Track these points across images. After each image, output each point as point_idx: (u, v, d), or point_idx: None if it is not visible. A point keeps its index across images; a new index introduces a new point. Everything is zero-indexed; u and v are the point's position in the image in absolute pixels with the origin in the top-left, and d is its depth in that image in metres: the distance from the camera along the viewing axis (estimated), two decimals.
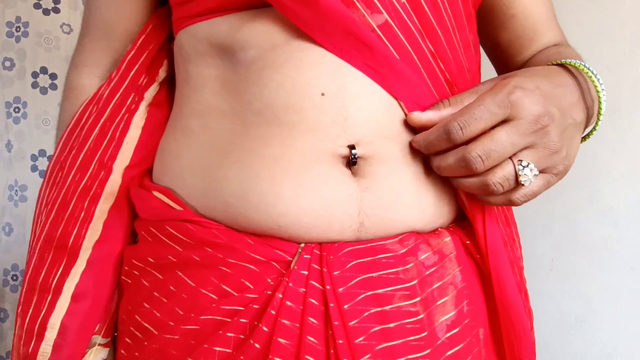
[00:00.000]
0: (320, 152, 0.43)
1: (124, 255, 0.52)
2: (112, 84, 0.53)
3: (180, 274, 0.46)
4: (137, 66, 0.53)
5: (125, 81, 0.53)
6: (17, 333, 0.50)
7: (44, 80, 1.54)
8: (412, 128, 0.46)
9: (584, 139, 0.50)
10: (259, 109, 0.45)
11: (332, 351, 0.42)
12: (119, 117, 0.52)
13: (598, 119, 0.50)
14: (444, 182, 0.48)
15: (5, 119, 1.50)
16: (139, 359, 0.47)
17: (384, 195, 0.44)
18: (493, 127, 0.42)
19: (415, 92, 0.45)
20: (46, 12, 1.53)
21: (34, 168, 1.50)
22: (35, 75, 1.52)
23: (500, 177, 0.42)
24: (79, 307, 0.48)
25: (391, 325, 0.43)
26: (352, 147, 0.44)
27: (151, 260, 0.48)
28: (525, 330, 0.48)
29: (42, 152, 1.50)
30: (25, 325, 0.49)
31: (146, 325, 0.47)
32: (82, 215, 0.50)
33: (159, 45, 0.55)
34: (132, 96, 0.53)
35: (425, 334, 0.44)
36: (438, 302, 0.45)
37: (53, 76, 1.54)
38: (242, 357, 0.43)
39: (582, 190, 1.06)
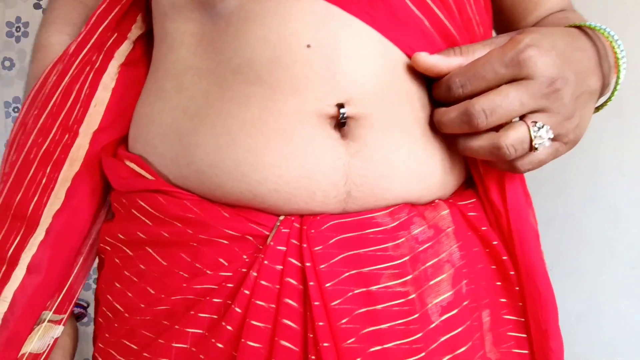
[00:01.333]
0: (305, 113, 0.39)
1: (101, 231, 0.49)
2: (77, 41, 0.49)
3: (150, 251, 0.43)
4: (106, 22, 0.49)
5: (92, 38, 0.48)
6: None
7: None
8: (412, 86, 0.42)
9: (597, 109, 0.46)
10: (238, 65, 0.40)
11: (310, 335, 0.38)
12: (83, 77, 0.48)
13: (615, 88, 0.45)
14: (448, 148, 0.43)
15: (4, 119, 1.49)
16: (109, 340, 0.44)
17: (375, 162, 0.40)
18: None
19: (419, 41, 0.41)
20: None
21: None
22: None
23: (514, 139, 0.38)
24: (33, 279, 0.45)
25: (378, 307, 0.39)
26: (340, 105, 0.39)
27: (122, 236, 0.45)
28: (552, 298, 0.44)
29: None
30: None
31: (117, 305, 0.44)
32: (44, 181, 0.46)
33: None
34: (100, 54, 0.49)
35: (416, 316, 0.39)
36: (431, 282, 0.41)
37: None
38: (213, 340, 0.39)
39: (584, 189, 1.06)
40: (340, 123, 0.39)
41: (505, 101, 0.38)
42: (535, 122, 0.38)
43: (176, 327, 0.40)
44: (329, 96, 0.39)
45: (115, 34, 0.49)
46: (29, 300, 0.44)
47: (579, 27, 0.44)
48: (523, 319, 0.45)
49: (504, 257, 0.45)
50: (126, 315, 0.43)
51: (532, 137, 0.38)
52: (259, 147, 0.39)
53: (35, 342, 0.45)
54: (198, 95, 0.42)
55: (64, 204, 0.46)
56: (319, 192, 0.39)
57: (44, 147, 0.47)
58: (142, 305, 0.42)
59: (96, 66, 0.48)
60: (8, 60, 1.49)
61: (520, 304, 0.45)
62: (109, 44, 0.49)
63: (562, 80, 0.38)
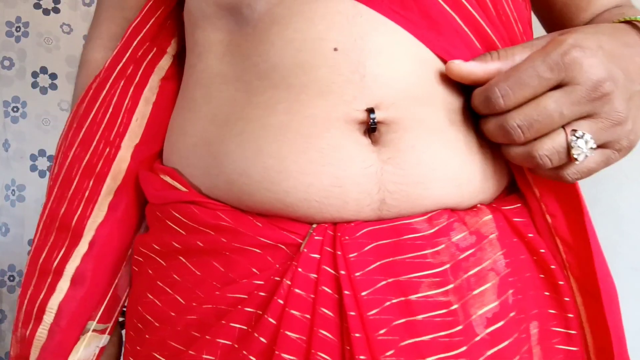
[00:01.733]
0: (332, 118, 0.38)
1: (134, 243, 0.49)
2: (114, 54, 0.50)
3: (184, 260, 0.42)
4: (141, 34, 0.49)
5: (127, 50, 0.49)
6: (16, 316, 0.47)
7: (44, 80, 1.53)
8: (447, 88, 0.40)
9: None
10: (264, 71, 0.40)
11: (347, 347, 0.36)
12: (120, 89, 0.48)
13: None
14: (490, 150, 0.41)
15: (3, 119, 1.51)
16: (140, 353, 0.44)
17: (410, 168, 0.38)
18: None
19: (453, 42, 0.39)
20: (46, 12, 1.53)
21: (33, 168, 1.49)
22: (35, 75, 1.52)
23: (548, 150, 0.36)
24: (77, 290, 0.45)
25: (418, 317, 0.37)
26: (370, 110, 0.38)
27: (156, 247, 0.45)
28: (620, 317, 0.42)
29: (42, 152, 1.50)
30: (24, 307, 0.46)
31: (147, 316, 0.43)
32: (87, 194, 0.47)
33: (167, 12, 0.51)
34: (140, 68, 0.49)
35: (459, 328, 0.37)
36: (475, 292, 0.38)
37: (53, 76, 1.54)
38: (245, 352, 0.38)
39: (586, 191, 1.03)
40: (370, 128, 0.38)
41: (543, 114, 0.35)
42: (575, 131, 0.36)
43: (207, 337, 0.39)
44: (358, 100, 0.38)
45: (155, 49, 0.50)
46: (74, 311, 0.45)
47: (629, 22, 0.41)
48: (574, 332, 0.42)
49: (553, 266, 0.42)
50: (156, 324, 0.42)
51: (571, 147, 0.36)
52: (285, 153, 0.38)
53: (82, 351, 0.46)
54: (225, 102, 0.42)
55: (106, 216, 0.47)
56: (351, 201, 0.38)
57: (86, 160, 0.47)
58: (173, 314, 0.41)
59: (136, 80, 0.49)
60: (7, 60, 1.52)
61: (571, 315, 0.42)
62: (148, 58, 0.50)
63: (611, 83, 0.35)
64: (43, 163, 1.50)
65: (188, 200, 0.43)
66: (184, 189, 0.44)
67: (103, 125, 0.48)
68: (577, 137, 0.36)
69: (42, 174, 1.51)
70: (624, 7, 0.50)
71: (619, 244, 0.98)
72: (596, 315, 0.41)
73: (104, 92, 0.49)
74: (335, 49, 0.38)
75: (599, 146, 0.37)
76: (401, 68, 0.39)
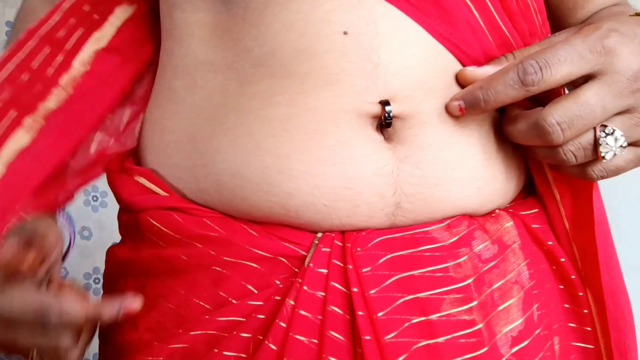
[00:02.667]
0: (341, 111, 0.33)
1: (107, 255, 0.42)
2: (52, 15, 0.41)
3: (166, 278, 0.37)
4: None
5: (61, 12, 0.41)
6: None
7: None
8: None
9: None
10: (259, 57, 0.35)
11: None
12: (46, 55, 0.40)
13: None
14: (511, 148, 0.38)
15: None
16: None
17: (428, 168, 0.34)
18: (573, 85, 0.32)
19: (467, 37, 0.35)
20: None
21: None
22: None
23: (574, 145, 0.33)
24: None
25: (440, 340, 0.32)
26: (385, 102, 0.33)
27: (131, 262, 0.39)
28: (633, 326, 0.38)
29: None
30: None
31: (123, 343, 0.37)
32: None
33: None
34: (74, 33, 0.41)
35: (484, 350, 0.33)
36: (500, 308, 0.35)
37: None
38: None
39: None
40: (385, 123, 0.34)
41: (585, 109, 0.31)
42: (605, 127, 0.32)
43: None
44: (371, 92, 0.34)
45: (95, 14, 0.42)
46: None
47: None
48: (592, 346, 0.39)
49: (573, 277, 0.39)
50: (135, 354, 0.36)
51: (599, 144, 0.32)
52: (287, 150, 0.33)
53: None
54: (214, 93, 0.36)
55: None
56: (363, 205, 0.34)
57: None
58: (156, 343, 0.35)
59: (70, 47, 0.40)
60: None
61: (589, 328, 0.39)
62: (87, 22, 0.42)
63: None
64: None
65: (169, 207, 0.37)
66: (164, 193, 0.38)
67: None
68: (607, 134, 0.32)
69: None
70: (622, 6, 0.48)
71: (618, 244, 0.99)
72: (605, 329, 0.38)
73: (25, 55, 0.40)
74: (345, 33, 0.34)
75: (631, 144, 0.34)
76: (418, 56, 0.35)
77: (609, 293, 0.37)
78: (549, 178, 0.39)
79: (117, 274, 0.40)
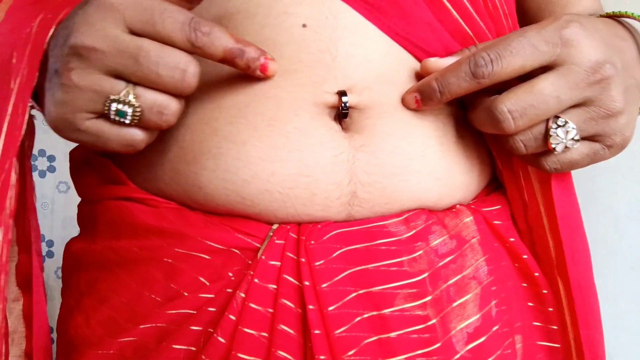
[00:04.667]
0: (300, 99, 0.33)
1: (65, 249, 0.42)
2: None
3: (118, 271, 0.36)
4: None
5: None
6: None
7: None
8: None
9: None
10: None
11: None
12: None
13: None
14: (471, 142, 0.37)
15: None
16: None
17: (385, 157, 0.34)
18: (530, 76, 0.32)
19: (425, 35, 0.35)
20: None
21: (33, 168, 1.43)
22: None
23: (525, 134, 0.32)
24: None
25: (392, 335, 0.32)
26: (342, 93, 0.33)
27: (85, 253, 0.38)
28: (600, 322, 0.38)
29: (42, 152, 1.43)
30: None
31: (75, 338, 0.37)
32: None
33: None
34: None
35: (437, 345, 0.32)
36: (455, 303, 0.34)
37: None
38: None
39: (583, 190, 1.05)
40: (342, 113, 0.34)
41: (539, 99, 0.31)
42: (557, 118, 0.32)
43: None
44: (329, 82, 0.34)
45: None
46: None
47: (613, 18, 0.38)
48: (558, 345, 0.39)
49: (536, 274, 0.38)
50: (86, 348, 0.36)
51: (549, 135, 0.32)
52: (244, 137, 0.33)
53: None
54: None
55: None
56: (319, 193, 0.33)
57: None
58: (107, 338, 0.35)
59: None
60: None
61: (555, 327, 0.39)
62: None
63: (611, 67, 0.31)
64: (43, 163, 1.43)
65: (125, 197, 0.37)
66: (122, 183, 0.37)
67: None
68: (559, 125, 0.32)
69: (42, 174, 1.45)
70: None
71: (617, 244, 0.98)
72: (576, 324, 0.38)
73: None
74: (304, 25, 0.34)
75: (587, 138, 0.33)
76: (377, 49, 0.35)
77: (577, 287, 0.37)
78: (517, 168, 0.38)
79: (71, 268, 0.40)
